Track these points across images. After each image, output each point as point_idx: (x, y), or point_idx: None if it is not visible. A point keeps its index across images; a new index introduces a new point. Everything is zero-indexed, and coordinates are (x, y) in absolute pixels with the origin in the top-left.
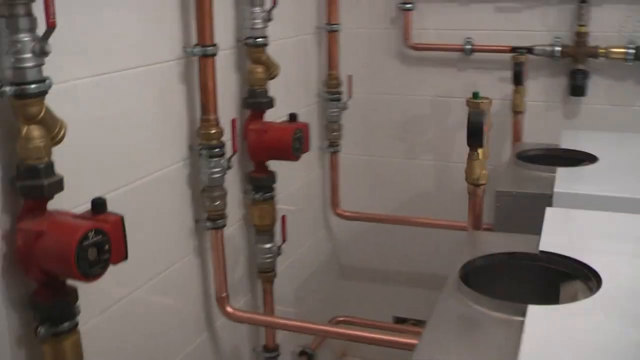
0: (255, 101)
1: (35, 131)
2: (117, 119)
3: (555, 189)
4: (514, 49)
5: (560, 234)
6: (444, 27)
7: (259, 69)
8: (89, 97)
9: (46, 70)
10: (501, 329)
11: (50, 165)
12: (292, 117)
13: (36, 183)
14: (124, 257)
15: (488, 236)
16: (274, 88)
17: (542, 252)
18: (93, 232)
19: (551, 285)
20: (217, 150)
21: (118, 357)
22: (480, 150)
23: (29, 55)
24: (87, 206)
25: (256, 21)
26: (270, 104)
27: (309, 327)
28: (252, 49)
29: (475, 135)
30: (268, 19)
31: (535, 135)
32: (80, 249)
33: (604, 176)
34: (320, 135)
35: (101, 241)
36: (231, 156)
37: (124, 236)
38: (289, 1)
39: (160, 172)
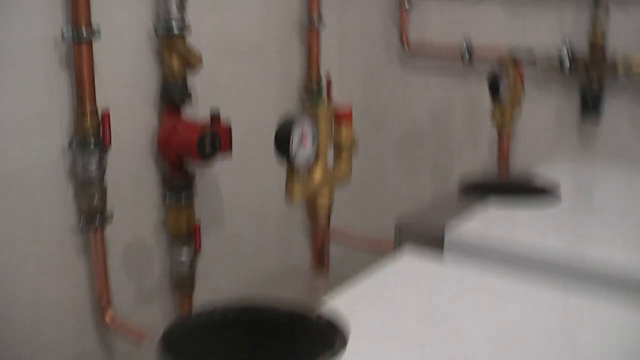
0: (167, 96)
1: None
2: None
3: (446, 232)
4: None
5: (368, 296)
6: (445, 31)
7: (174, 61)
8: None
9: None
10: None
11: None
12: (213, 115)
13: None
14: None
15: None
16: (252, 86)
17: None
18: None
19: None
20: (91, 144)
21: None
22: (318, 169)
23: None
24: None
25: (170, 7)
26: (185, 99)
27: None
28: (165, 38)
29: (281, 150)
30: (182, 6)
31: (536, 162)
32: None
33: (533, 219)
34: None
35: None
36: (104, 151)
37: None
38: None
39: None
